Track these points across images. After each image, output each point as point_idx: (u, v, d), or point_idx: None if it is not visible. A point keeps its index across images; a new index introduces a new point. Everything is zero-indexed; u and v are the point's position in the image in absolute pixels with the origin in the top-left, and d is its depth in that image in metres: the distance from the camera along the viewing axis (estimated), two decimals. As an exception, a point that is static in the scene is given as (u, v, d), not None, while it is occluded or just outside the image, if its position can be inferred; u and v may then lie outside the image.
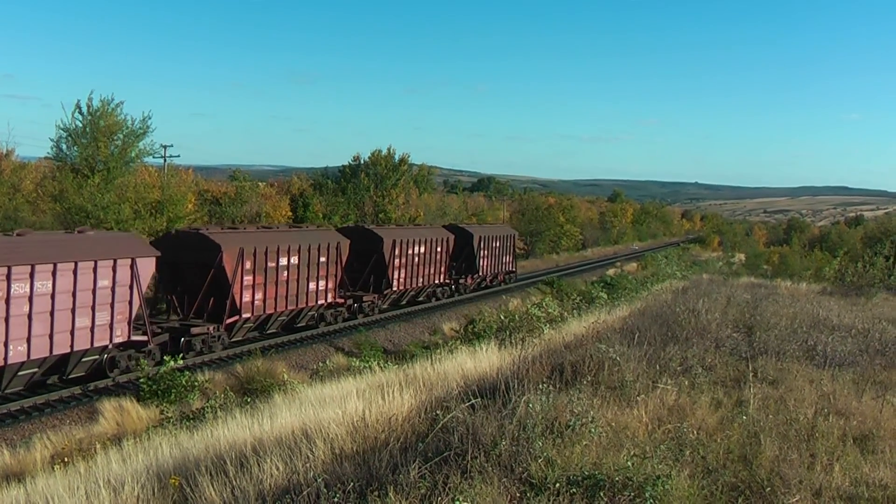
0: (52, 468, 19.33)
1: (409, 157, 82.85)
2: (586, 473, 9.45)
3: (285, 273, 38.40)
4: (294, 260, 38.94)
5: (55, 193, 48.15)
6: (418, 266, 52.17)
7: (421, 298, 55.18)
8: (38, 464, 21.79)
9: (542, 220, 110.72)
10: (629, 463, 9.74)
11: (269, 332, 39.62)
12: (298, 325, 41.76)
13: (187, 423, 23.17)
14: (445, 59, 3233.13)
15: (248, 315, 36.45)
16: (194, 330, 34.19)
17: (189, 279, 35.73)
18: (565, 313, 40.82)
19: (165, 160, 61.52)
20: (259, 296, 36.83)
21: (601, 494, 9.15)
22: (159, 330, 33.09)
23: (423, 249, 52.47)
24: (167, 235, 37.20)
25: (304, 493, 9.40)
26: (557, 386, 13.63)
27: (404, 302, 53.24)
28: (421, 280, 53.07)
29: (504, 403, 12.14)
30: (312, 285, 40.63)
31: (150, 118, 50.10)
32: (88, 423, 26.28)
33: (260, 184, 76.05)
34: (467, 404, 12.05)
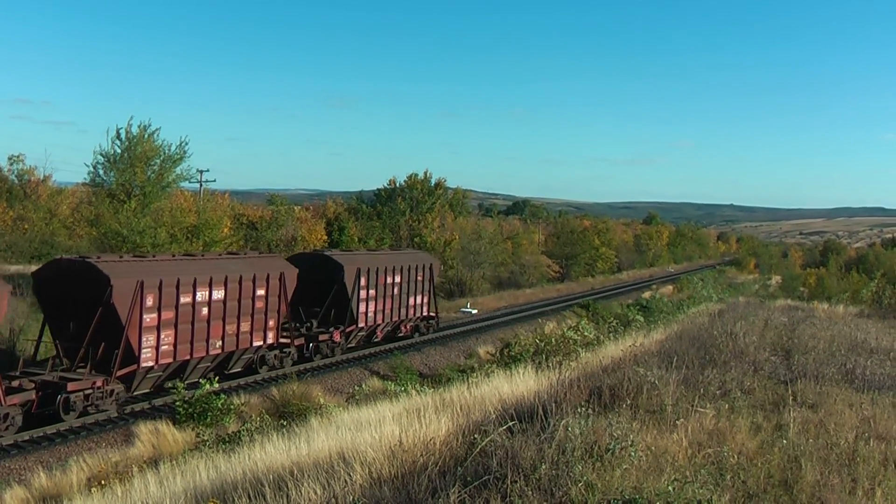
0: (89, 490, 19.41)
1: (445, 181, 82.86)
2: (627, 497, 9.39)
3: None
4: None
5: (91, 218, 48.73)
6: (211, 321, 31.85)
7: (237, 369, 35.01)
8: (75, 486, 21.87)
9: (577, 243, 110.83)
10: (670, 487, 9.67)
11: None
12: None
13: (223, 446, 23.19)
14: (481, 83, 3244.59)
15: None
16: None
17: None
18: (601, 336, 40.70)
19: (201, 185, 62.09)
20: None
21: (642, 519, 9.09)
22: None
23: (218, 295, 32.03)
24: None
25: (343, 516, 9.38)
26: (596, 409, 13.56)
27: (197, 378, 31.60)
28: (218, 344, 32.42)
29: (542, 427, 12.09)
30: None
31: (187, 144, 50.74)
32: (124, 446, 26.36)
33: (295, 207, 76.25)
34: (505, 428, 12.00)
